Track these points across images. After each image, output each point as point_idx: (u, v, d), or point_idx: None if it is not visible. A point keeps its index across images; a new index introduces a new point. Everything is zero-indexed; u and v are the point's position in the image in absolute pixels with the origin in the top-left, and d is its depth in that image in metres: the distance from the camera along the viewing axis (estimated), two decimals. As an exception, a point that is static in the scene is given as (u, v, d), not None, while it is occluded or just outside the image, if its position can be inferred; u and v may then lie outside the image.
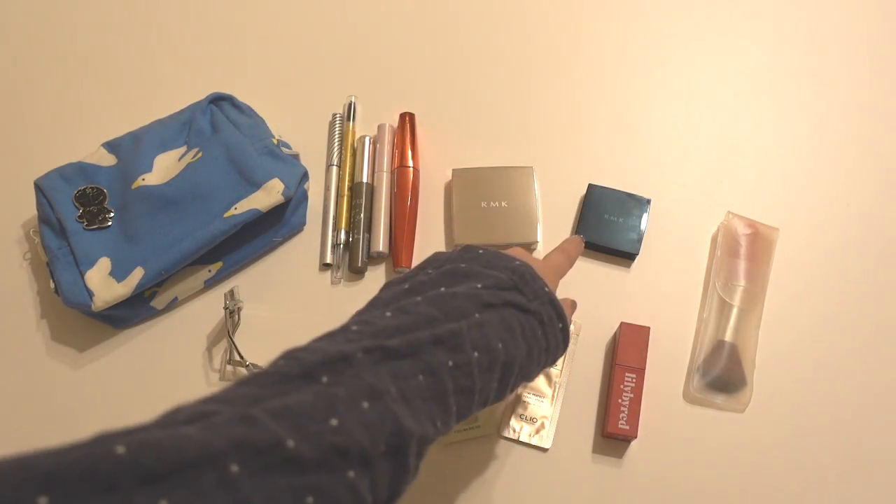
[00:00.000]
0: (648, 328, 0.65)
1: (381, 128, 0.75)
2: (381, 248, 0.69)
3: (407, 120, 0.75)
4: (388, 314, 0.45)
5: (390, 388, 0.40)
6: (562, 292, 0.68)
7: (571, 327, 0.66)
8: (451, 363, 0.43)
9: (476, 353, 0.44)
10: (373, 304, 0.48)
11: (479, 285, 0.48)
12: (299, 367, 0.39)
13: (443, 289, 0.47)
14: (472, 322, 0.45)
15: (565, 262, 0.58)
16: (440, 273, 0.49)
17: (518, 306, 0.48)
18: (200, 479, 0.31)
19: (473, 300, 0.47)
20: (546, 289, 0.50)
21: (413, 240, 0.70)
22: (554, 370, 0.65)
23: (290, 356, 0.40)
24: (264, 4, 0.84)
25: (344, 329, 0.44)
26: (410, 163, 0.72)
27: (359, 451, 0.37)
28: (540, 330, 0.49)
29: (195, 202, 0.66)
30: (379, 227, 0.70)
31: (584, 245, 0.62)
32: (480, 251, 0.51)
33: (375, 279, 0.70)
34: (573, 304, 0.61)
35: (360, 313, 0.47)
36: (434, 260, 0.52)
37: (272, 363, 0.40)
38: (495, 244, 0.69)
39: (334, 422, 0.37)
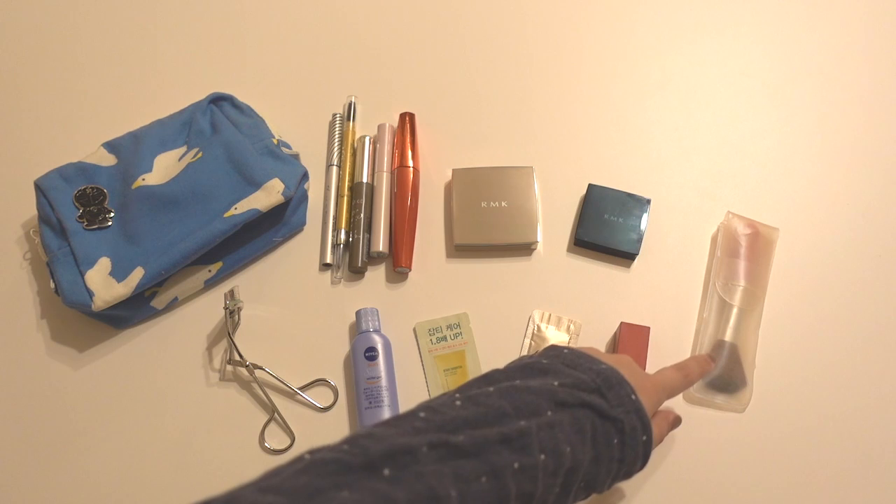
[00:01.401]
0: (648, 328, 0.65)
1: (381, 128, 0.75)
2: (381, 248, 0.69)
3: (407, 120, 0.75)
4: (458, 402, 0.44)
5: (451, 491, 0.39)
6: (561, 290, 0.69)
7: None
8: (516, 465, 0.42)
9: (543, 456, 0.43)
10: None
11: (556, 382, 0.47)
12: (363, 455, 0.39)
13: (518, 381, 0.47)
14: (542, 422, 0.44)
15: (679, 381, 0.56)
16: (518, 366, 0.49)
17: (597, 410, 0.47)
18: None
19: (547, 397, 0.46)
20: (633, 396, 0.48)
21: (413, 240, 0.70)
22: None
23: (356, 442, 0.40)
24: (264, 4, 0.84)
25: (411, 415, 0.43)
26: (410, 163, 0.72)
27: None
28: (617, 438, 0.47)
29: (195, 202, 0.66)
30: (379, 227, 0.70)
31: (712, 366, 0.60)
32: (565, 350, 0.51)
33: (375, 279, 0.70)
34: (676, 420, 0.57)
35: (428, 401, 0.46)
36: (515, 361, 0.52)
37: (337, 445, 0.40)
38: (495, 244, 0.69)
39: None
